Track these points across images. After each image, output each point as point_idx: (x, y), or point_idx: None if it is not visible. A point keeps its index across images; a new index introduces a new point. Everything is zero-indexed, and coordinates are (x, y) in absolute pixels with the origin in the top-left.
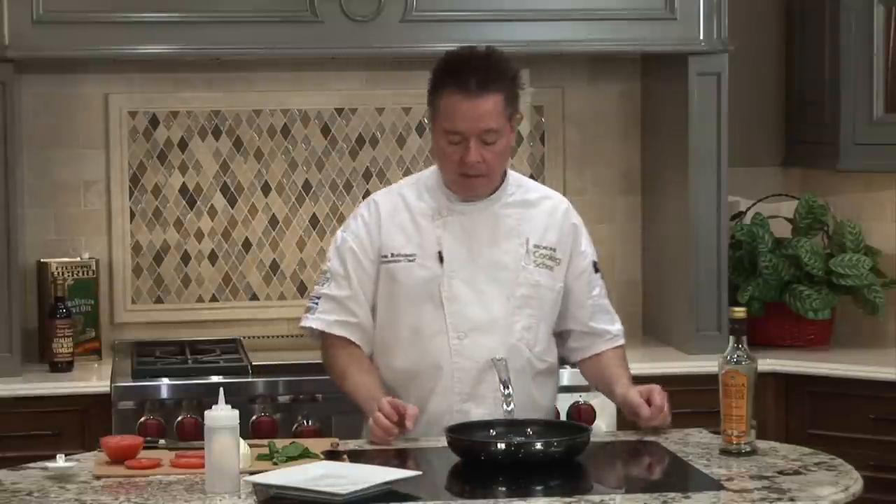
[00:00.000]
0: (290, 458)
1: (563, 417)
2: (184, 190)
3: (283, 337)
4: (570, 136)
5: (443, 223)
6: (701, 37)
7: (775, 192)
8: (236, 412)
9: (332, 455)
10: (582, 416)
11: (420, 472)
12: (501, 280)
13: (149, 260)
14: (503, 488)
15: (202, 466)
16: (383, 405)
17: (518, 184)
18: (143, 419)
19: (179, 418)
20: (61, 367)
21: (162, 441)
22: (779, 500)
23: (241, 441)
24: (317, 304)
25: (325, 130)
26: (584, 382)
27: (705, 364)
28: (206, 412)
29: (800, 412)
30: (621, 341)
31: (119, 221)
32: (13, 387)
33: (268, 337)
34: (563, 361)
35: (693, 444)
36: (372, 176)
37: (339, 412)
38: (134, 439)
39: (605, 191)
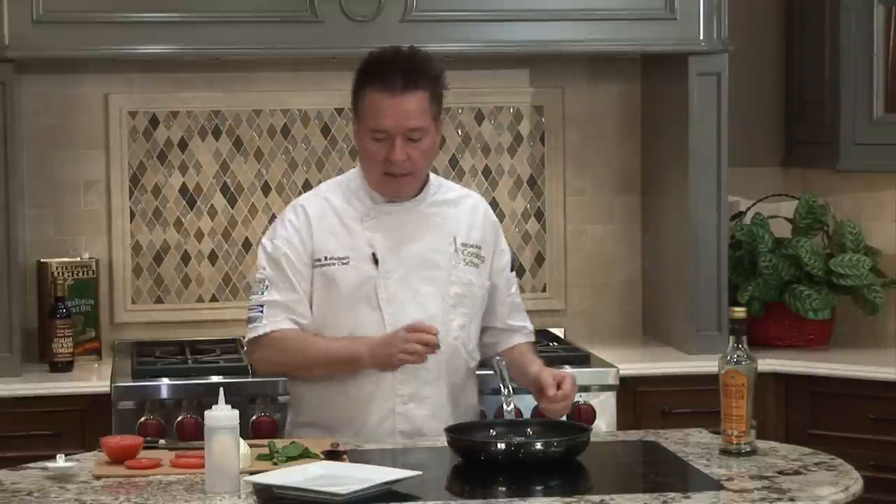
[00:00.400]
0: (290, 458)
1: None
2: (184, 190)
3: None
4: (570, 136)
5: (372, 225)
6: (701, 37)
7: (775, 192)
8: (236, 412)
9: (332, 455)
10: (582, 416)
11: (420, 472)
12: (435, 279)
13: (149, 260)
14: (503, 488)
15: (202, 466)
16: (406, 334)
17: (438, 184)
18: (143, 419)
19: (179, 418)
20: (61, 367)
21: (162, 441)
22: (779, 500)
23: (241, 441)
24: (262, 312)
25: (325, 130)
26: (585, 382)
27: (705, 364)
28: (206, 412)
29: (800, 412)
30: (534, 338)
31: (119, 221)
32: (13, 387)
33: None
34: None
35: (693, 444)
36: None
37: None
38: (134, 439)
39: (605, 191)
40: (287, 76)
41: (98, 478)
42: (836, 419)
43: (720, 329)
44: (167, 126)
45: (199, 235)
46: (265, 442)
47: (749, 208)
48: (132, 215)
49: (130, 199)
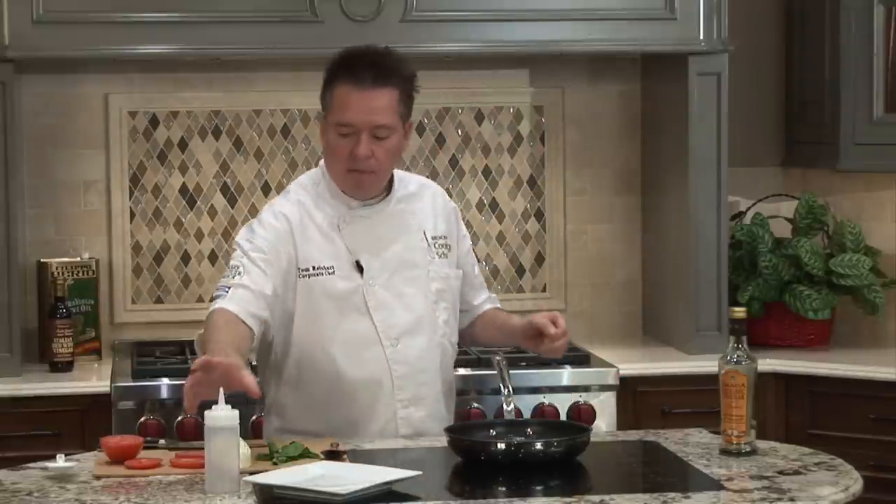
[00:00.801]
0: (290, 458)
1: (563, 417)
2: (184, 190)
3: None
4: (570, 136)
5: (349, 231)
6: (701, 37)
7: (775, 192)
8: (236, 412)
9: (332, 455)
10: (582, 416)
11: (420, 472)
12: (416, 278)
13: (149, 260)
14: (503, 488)
15: (202, 466)
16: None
17: (398, 178)
18: (143, 419)
19: (179, 418)
20: (61, 367)
21: (162, 441)
22: (779, 500)
23: (241, 441)
24: (226, 292)
25: None
26: (585, 382)
27: (705, 364)
28: (206, 412)
29: (800, 412)
30: (499, 304)
31: (119, 221)
32: (13, 387)
33: None
34: None
35: (693, 444)
36: None
37: None
38: (134, 439)
39: (605, 191)
40: (287, 76)
41: (98, 478)
42: (836, 419)
43: (720, 329)
44: (167, 126)
45: (199, 235)
46: (265, 442)
47: (749, 208)
48: (132, 215)
49: (130, 199)
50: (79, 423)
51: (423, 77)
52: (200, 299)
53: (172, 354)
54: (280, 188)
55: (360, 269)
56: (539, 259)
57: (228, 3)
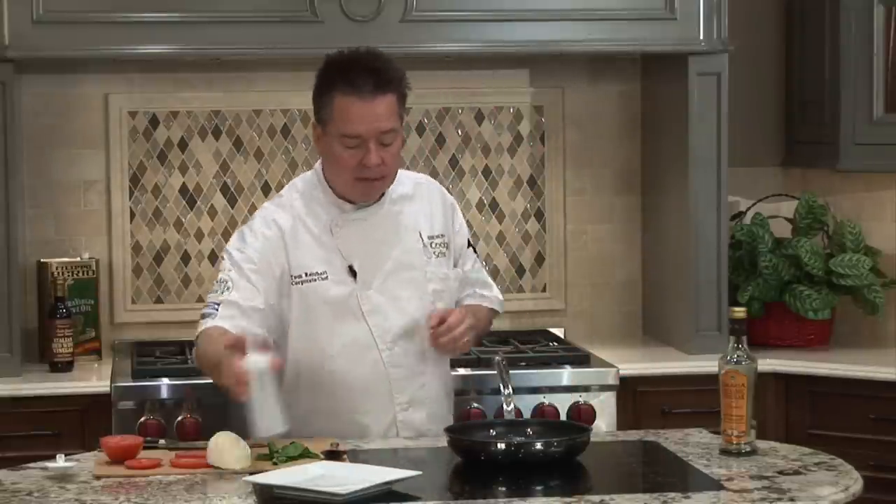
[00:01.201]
0: (290, 458)
1: (563, 417)
2: (184, 190)
3: None
4: (570, 136)
5: (342, 235)
6: (701, 37)
7: (775, 192)
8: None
9: (332, 455)
10: (582, 416)
11: (420, 472)
12: (412, 281)
13: (149, 260)
14: (503, 488)
15: (202, 466)
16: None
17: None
18: (143, 419)
19: (179, 418)
20: (61, 367)
21: (162, 441)
22: (779, 500)
23: (242, 441)
24: (216, 309)
25: None
26: (585, 382)
27: (705, 364)
28: (247, 357)
29: (800, 412)
30: (496, 307)
31: (119, 221)
32: (13, 387)
33: None
34: None
35: (693, 444)
36: None
37: None
38: (134, 439)
39: (605, 191)
40: (287, 76)
41: (98, 478)
42: (836, 419)
43: (720, 329)
44: (167, 126)
45: (199, 235)
46: (265, 442)
47: (749, 208)
48: (132, 215)
49: (130, 199)
50: (79, 423)
51: (423, 77)
52: (200, 299)
53: (172, 354)
54: (280, 188)
55: (353, 273)
56: (539, 259)
57: (228, 3)
